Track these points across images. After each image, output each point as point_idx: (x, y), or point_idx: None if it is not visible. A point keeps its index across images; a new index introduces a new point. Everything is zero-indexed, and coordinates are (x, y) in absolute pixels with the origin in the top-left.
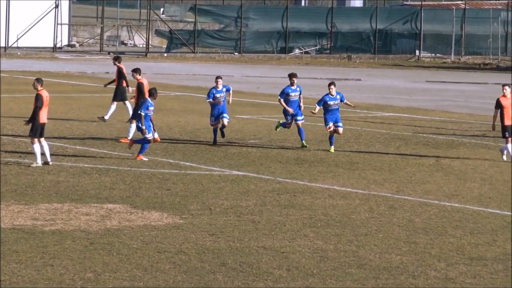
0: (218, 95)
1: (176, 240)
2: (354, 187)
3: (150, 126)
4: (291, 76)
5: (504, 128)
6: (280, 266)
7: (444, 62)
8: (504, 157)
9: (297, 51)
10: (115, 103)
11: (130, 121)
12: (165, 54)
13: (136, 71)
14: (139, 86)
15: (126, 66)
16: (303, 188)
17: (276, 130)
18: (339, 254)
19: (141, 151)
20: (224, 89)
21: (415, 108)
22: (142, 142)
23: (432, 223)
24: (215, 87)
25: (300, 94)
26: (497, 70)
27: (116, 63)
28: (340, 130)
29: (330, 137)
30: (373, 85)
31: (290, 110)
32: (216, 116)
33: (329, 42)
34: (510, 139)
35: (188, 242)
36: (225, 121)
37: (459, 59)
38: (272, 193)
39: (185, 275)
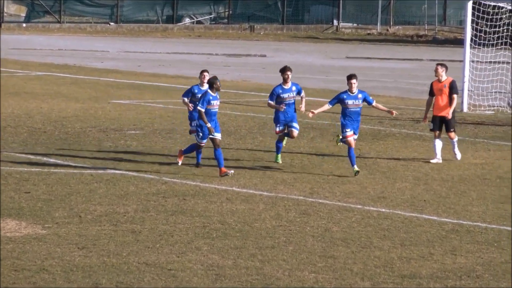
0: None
1: (38, 255)
2: (258, 188)
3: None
4: (285, 70)
5: (432, 119)
6: (166, 287)
7: (369, 34)
8: (457, 156)
9: (187, 20)
10: None
11: None
12: (24, 25)
13: None
14: None
15: None
16: (195, 190)
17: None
18: (239, 271)
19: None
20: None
21: (333, 91)
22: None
23: (354, 233)
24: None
25: (298, 94)
26: (433, 43)
27: None
28: (354, 141)
29: (350, 150)
30: (281, 62)
31: (282, 107)
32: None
33: (226, 10)
34: (437, 133)
35: (53, 257)
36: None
37: (387, 30)
38: (156, 196)
39: None
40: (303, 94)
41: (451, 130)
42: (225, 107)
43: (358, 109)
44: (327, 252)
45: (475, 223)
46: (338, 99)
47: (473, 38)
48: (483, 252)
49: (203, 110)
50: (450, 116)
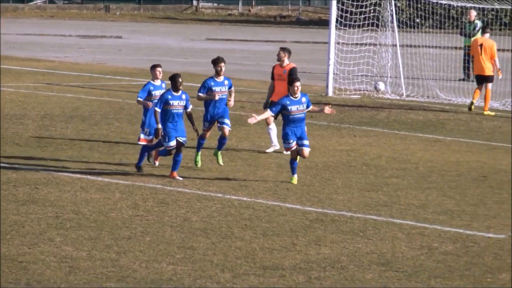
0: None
1: None
2: (114, 176)
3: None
4: (217, 62)
5: (269, 104)
6: (17, 281)
7: (230, 14)
8: (270, 149)
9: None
10: None
11: None
12: None
13: None
14: None
15: None
16: (47, 179)
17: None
18: (94, 263)
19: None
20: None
21: (192, 74)
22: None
23: (214, 223)
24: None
25: (230, 89)
26: (297, 24)
27: None
28: (306, 151)
29: (292, 161)
30: (138, 44)
31: (214, 94)
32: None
33: None
34: (271, 119)
35: None
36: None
37: (249, 11)
38: (6, 186)
39: None
40: (232, 88)
41: None
42: (79, 91)
43: (302, 115)
44: (186, 242)
45: (340, 212)
46: (281, 106)
47: (339, 18)
48: (348, 242)
49: (158, 110)
50: None
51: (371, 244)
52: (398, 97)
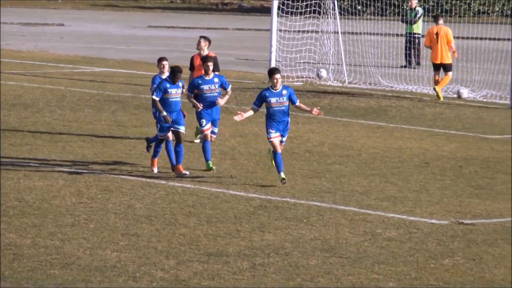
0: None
1: None
2: (57, 164)
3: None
4: (206, 60)
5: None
6: None
7: (172, 2)
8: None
9: None
10: None
11: None
12: None
13: None
14: None
15: None
16: None
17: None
18: (38, 250)
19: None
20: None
21: (135, 62)
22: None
23: (157, 210)
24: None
25: (220, 86)
26: (239, 11)
27: None
28: (281, 145)
29: (276, 155)
30: (80, 31)
31: (199, 106)
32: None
33: None
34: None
35: None
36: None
37: None
38: None
39: None
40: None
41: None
42: (21, 79)
43: (284, 107)
44: (130, 229)
45: (283, 199)
46: (261, 98)
47: (281, 6)
48: (292, 228)
49: (157, 99)
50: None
51: (314, 230)
52: (341, 84)
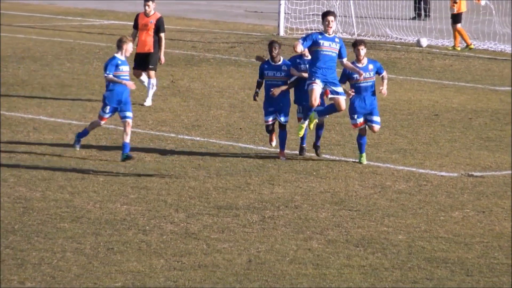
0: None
1: None
2: (67, 117)
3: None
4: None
5: (135, 57)
6: None
7: None
8: (147, 102)
9: None
10: None
11: None
12: None
13: None
14: None
15: None
16: None
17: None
18: (48, 204)
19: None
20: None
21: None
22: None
23: (167, 163)
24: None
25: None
26: None
27: None
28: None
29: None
30: None
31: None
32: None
33: None
34: (140, 72)
35: None
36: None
37: None
38: None
39: None
40: (384, 73)
41: (151, 67)
42: (30, 32)
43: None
44: (139, 183)
45: (293, 152)
46: (312, 41)
47: None
48: (302, 181)
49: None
50: (162, 61)
51: (324, 183)
52: (349, 36)
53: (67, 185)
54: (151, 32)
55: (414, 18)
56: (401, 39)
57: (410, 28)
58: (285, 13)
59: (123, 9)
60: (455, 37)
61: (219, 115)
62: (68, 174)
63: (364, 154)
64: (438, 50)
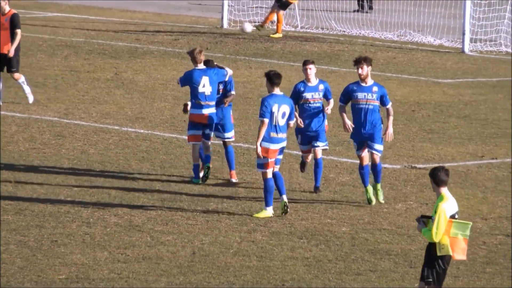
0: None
1: None
2: (10, 109)
3: None
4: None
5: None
6: None
7: None
8: (29, 99)
9: None
10: None
11: None
12: None
13: None
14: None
15: None
16: None
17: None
18: None
19: None
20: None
21: (87, 7)
22: None
23: (111, 155)
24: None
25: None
26: None
27: None
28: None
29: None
30: None
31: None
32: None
33: None
34: (14, 75)
35: None
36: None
37: None
38: None
39: None
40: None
41: (13, 70)
42: None
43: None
44: (83, 175)
45: (237, 144)
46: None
47: None
48: (246, 173)
49: None
50: (11, 54)
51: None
52: (293, 29)
53: (10, 177)
54: (7, 31)
55: (357, 11)
56: (344, 31)
57: (353, 20)
58: (228, 6)
59: (66, 1)
60: (268, 18)
61: (163, 108)
62: (12, 166)
63: (378, 185)
64: (381, 43)
